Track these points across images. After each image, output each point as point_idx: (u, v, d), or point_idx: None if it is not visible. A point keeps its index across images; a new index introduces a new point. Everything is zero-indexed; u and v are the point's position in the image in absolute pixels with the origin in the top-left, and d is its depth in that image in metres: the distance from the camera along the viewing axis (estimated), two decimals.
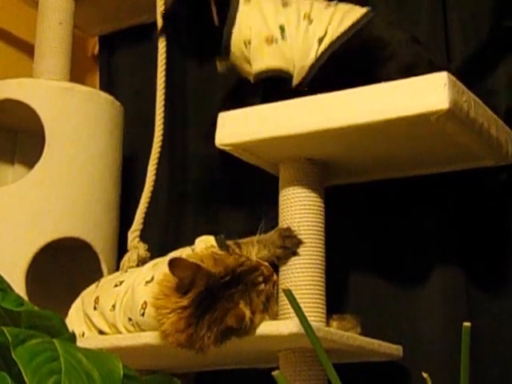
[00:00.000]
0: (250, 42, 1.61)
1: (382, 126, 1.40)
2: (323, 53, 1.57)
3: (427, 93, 1.35)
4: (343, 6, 1.63)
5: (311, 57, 1.58)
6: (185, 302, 1.37)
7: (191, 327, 1.35)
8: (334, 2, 1.64)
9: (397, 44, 1.58)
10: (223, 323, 1.34)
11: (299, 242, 1.52)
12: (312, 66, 1.59)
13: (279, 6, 1.63)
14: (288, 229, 1.53)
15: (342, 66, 1.57)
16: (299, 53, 1.59)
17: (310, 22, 1.59)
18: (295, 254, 1.52)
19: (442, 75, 1.35)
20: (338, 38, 1.57)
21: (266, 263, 1.47)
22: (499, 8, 1.63)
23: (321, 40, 1.57)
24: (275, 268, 1.52)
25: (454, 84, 1.35)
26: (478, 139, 1.49)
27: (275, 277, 1.47)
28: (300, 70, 1.60)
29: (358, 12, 1.61)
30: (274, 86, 1.62)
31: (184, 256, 1.46)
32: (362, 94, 1.42)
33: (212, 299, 1.36)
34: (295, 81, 1.62)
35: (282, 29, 1.60)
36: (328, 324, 1.56)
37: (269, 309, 1.41)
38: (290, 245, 1.51)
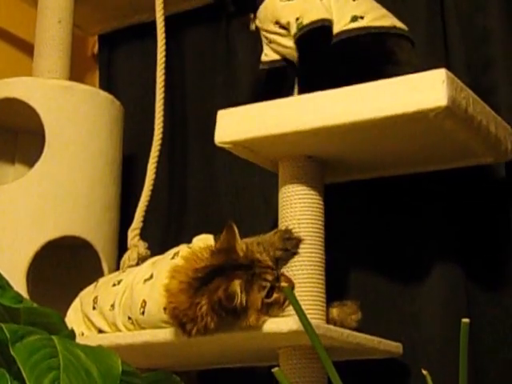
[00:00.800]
0: None
1: (381, 123, 1.40)
2: (350, 30, 1.54)
3: (426, 90, 1.35)
4: (389, 14, 1.61)
5: (338, 27, 1.55)
6: (200, 264, 1.38)
7: (192, 290, 1.35)
8: None
9: (404, 70, 1.56)
10: (215, 295, 1.33)
11: (299, 242, 1.52)
12: (339, 33, 1.55)
13: None
14: (288, 230, 1.53)
15: (354, 58, 1.56)
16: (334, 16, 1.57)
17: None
18: (296, 254, 1.52)
19: (441, 72, 1.35)
20: (371, 27, 1.54)
21: (289, 277, 1.47)
22: None
23: (354, 18, 1.54)
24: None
25: (452, 81, 1.36)
26: (476, 136, 1.49)
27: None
28: None
29: (399, 23, 1.59)
30: (319, 41, 1.58)
31: (181, 253, 1.46)
32: (361, 91, 1.42)
33: (220, 275, 1.37)
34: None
35: None
36: (328, 312, 1.56)
37: (269, 313, 1.40)
38: (291, 247, 1.52)
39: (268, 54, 1.68)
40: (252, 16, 1.71)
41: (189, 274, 1.37)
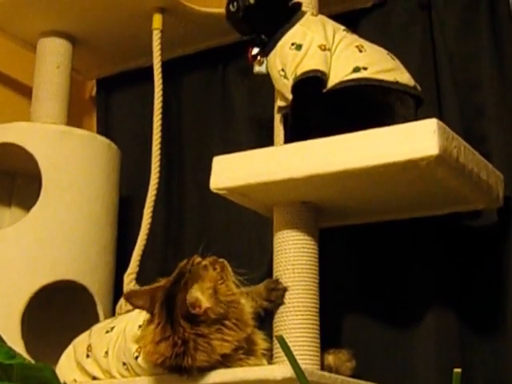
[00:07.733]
0: (299, 46, 1.60)
1: (374, 172, 1.41)
2: (350, 80, 1.55)
3: (417, 139, 1.37)
4: (402, 66, 1.62)
5: (338, 78, 1.57)
6: (155, 318, 1.40)
7: (168, 331, 1.37)
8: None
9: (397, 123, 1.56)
10: (183, 309, 1.36)
11: (284, 293, 1.54)
12: (337, 84, 1.57)
13: (340, 29, 1.64)
14: (274, 281, 1.55)
15: (353, 107, 1.56)
16: (334, 67, 1.58)
17: (360, 51, 1.59)
18: (281, 304, 1.54)
19: (432, 122, 1.37)
20: (371, 79, 1.55)
21: (217, 259, 1.48)
22: None
23: (357, 69, 1.56)
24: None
25: (443, 130, 1.37)
26: (468, 183, 1.51)
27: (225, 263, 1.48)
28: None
29: (406, 78, 1.59)
30: (309, 90, 1.59)
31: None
32: (354, 140, 1.43)
33: (172, 299, 1.39)
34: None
35: (334, 43, 1.60)
36: (323, 359, 1.56)
37: (217, 295, 1.41)
38: (275, 298, 1.53)
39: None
40: (261, 59, 1.71)
41: (155, 329, 1.39)
